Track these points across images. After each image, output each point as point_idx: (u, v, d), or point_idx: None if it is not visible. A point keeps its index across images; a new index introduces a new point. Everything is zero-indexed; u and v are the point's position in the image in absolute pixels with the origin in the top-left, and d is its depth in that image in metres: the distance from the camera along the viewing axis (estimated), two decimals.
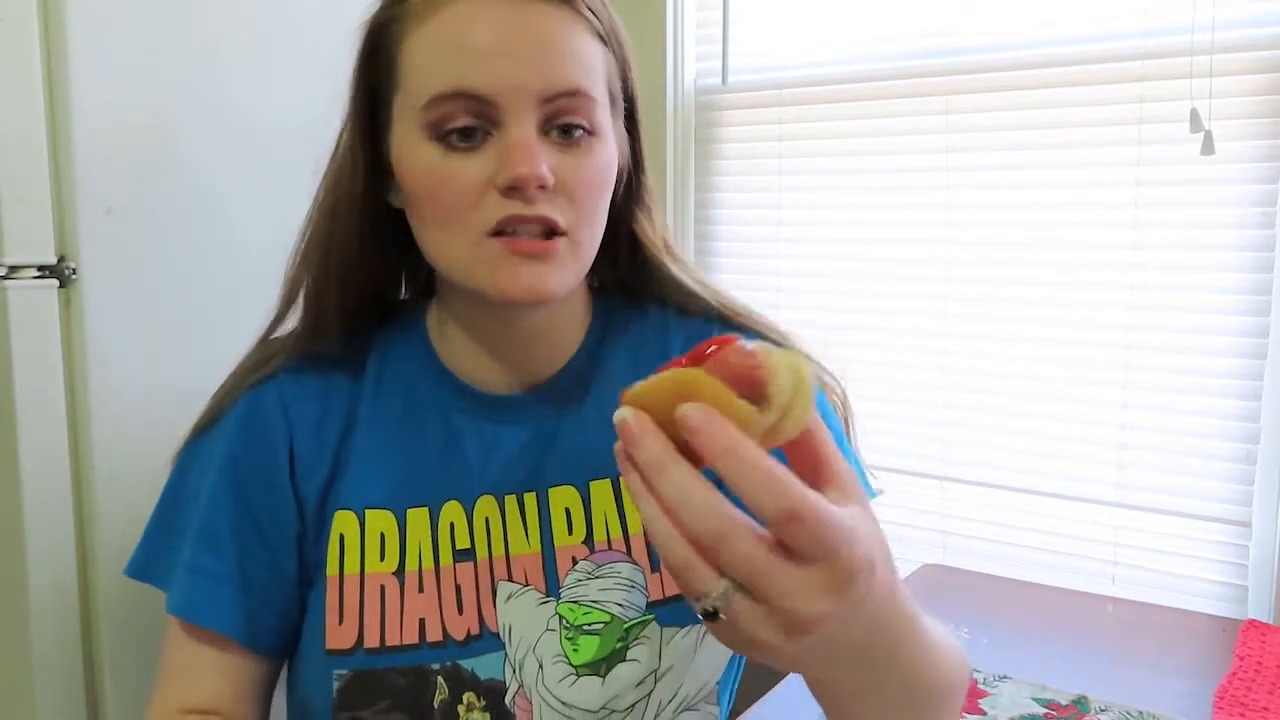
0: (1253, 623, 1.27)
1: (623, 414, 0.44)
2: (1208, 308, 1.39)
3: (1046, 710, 1.01)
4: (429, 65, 0.66)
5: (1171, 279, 1.41)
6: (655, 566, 0.76)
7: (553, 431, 0.78)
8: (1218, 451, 1.40)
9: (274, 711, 0.84)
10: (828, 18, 1.67)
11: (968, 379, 1.58)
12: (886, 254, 1.64)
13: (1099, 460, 1.48)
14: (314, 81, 1.49)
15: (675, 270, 0.80)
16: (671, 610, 0.75)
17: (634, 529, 0.76)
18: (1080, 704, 1.02)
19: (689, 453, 0.42)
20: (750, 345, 0.44)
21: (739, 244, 1.80)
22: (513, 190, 0.65)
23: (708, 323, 0.81)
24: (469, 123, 0.65)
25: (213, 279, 1.36)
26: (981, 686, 1.08)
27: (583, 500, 0.77)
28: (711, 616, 0.43)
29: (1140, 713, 1.00)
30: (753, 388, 0.42)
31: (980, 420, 1.58)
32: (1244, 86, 1.33)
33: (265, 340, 0.81)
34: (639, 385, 0.44)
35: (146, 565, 0.80)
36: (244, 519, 0.75)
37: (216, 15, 1.34)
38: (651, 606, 0.75)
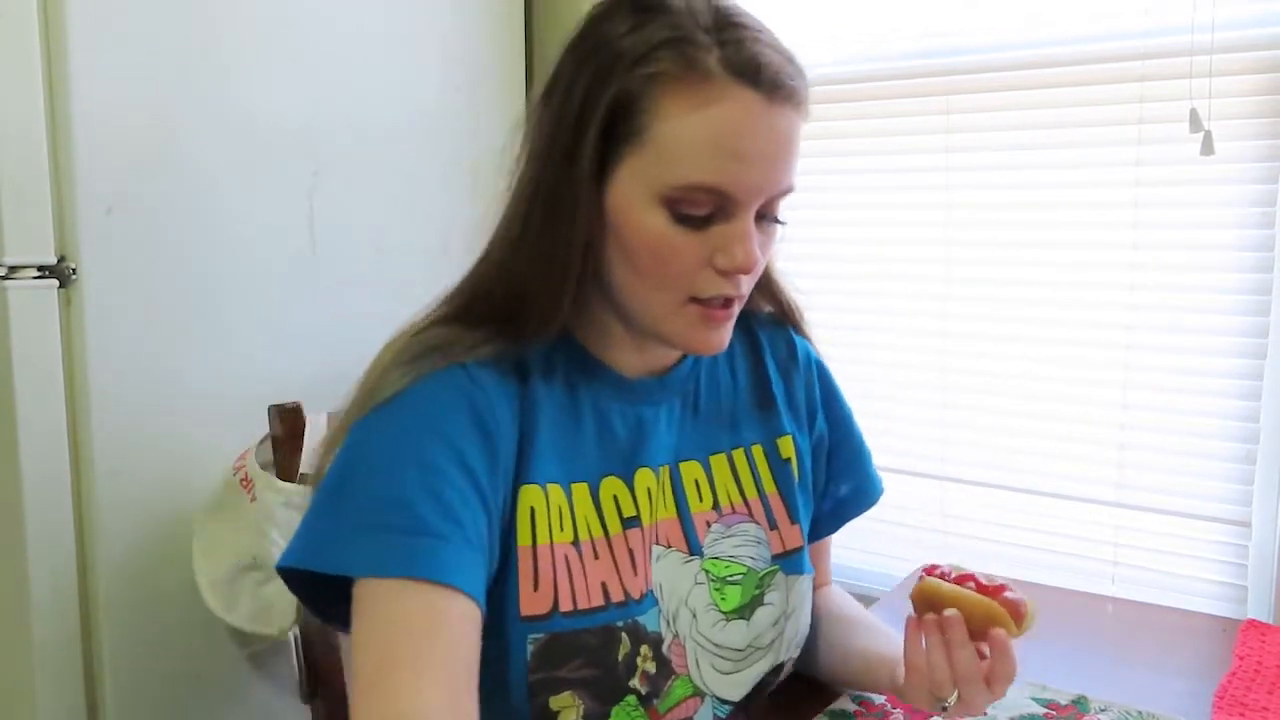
0: (1253, 623, 1.27)
1: (950, 613, 0.79)
2: (1208, 308, 1.39)
3: (1046, 710, 1.01)
4: (693, 155, 0.72)
5: (1171, 279, 1.41)
6: (773, 525, 0.90)
7: (679, 413, 0.89)
8: (1218, 451, 1.40)
9: None
10: (828, 18, 1.67)
11: (968, 379, 1.58)
12: (887, 254, 1.64)
13: (1099, 460, 1.48)
14: (314, 82, 1.49)
15: (777, 277, 0.95)
16: (790, 561, 0.90)
17: (750, 494, 0.91)
18: (1080, 704, 1.02)
19: (974, 631, 0.79)
20: (1019, 594, 0.81)
21: None
22: (731, 274, 0.76)
23: (780, 325, 0.98)
24: (709, 211, 0.74)
25: (212, 278, 1.36)
26: None
27: (705, 472, 0.89)
28: (943, 710, 0.81)
29: (1140, 713, 1.00)
30: (1016, 612, 0.79)
31: (980, 420, 1.58)
32: (1244, 86, 1.33)
33: (426, 332, 0.80)
34: (952, 588, 0.81)
35: (319, 548, 0.71)
36: (469, 485, 0.73)
37: (216, 16, 1.34)
38: (775, 559, 0.89)
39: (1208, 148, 1.31)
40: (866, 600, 1.16)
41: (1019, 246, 1.52)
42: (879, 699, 1.04)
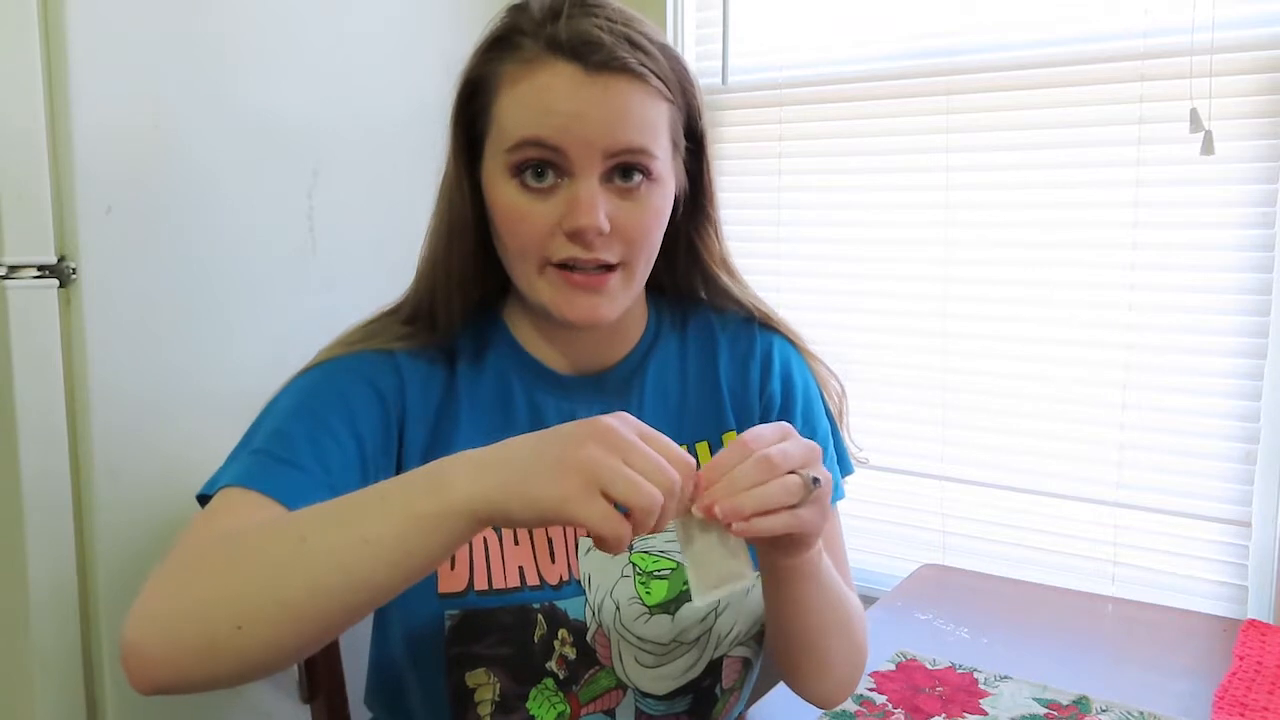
0: (1253, 623, 1.27)
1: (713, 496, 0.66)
2: (1208, 308, 1.39)
3: (1048, 710, 1.01)
4: (516, 117, 0.78)
5: (1171, 279, 1.41)
6: None
7: (619, 410, 0.86)
8: (1218, 451, 1.40)
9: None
10: (828, 18, 1.67)
11: (968, 379, 1.58)
12: (887, 254, 1.64)
13: (1099, 460, 1.48)
14: (314, 81, 1.49)
15: (725, 281, 0.95)
16: None
17: None
18: (1081, 704, 1.02)
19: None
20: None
21: (739, 244, 1.77)
22: (575, 235, 0.78)
23: (747, 323, 0.96)
24: (539, 156, 0.77)
25: (212, 278, 1.36)
26: (982, 686, 1.08)
27: None
28: (816, 483, 0.67)
29: (1140, 713, 1.00)
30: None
31: (980, 420, 1.58)
32: (1244, 86, 1.33)
33: (369, 323, 0.88)
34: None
35: (219, 475, 0.78)
36: (353, 445, 0.79)
37: (217, 15, 1.34)
38: None
39: (1208, 148, 1.31)
40: (866, 600, 1.16)
41: (1019, 246, 1.52)
42: (879, 699, 1.04)
